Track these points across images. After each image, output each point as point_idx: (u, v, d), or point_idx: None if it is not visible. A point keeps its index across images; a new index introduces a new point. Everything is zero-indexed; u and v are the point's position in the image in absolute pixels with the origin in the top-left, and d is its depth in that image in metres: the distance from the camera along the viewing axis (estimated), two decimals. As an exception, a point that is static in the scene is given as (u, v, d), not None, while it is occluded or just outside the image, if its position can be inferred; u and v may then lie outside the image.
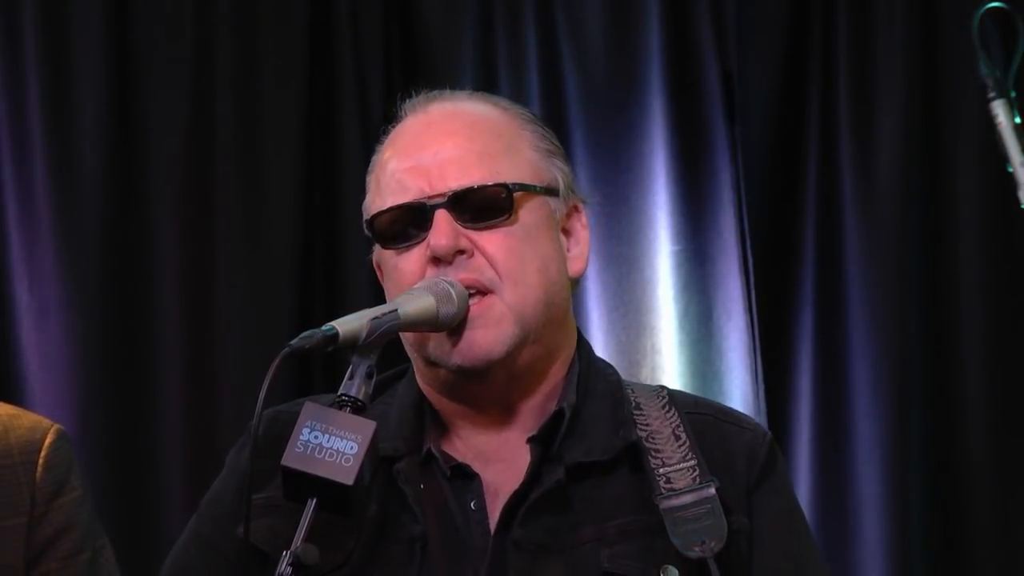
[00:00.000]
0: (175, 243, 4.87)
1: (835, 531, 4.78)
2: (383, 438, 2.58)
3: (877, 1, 4.92)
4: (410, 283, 2.60)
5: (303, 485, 2.37)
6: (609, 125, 4.97)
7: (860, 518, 4.81)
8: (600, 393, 2.67)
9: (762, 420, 4.76)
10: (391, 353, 2.57)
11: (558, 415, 2.62)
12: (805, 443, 4.87)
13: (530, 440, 2.61)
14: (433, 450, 2.62)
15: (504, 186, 2.62)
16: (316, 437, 2.37)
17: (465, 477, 2.60)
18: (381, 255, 2.68)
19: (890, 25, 4.91)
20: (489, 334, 2.58)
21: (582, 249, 2.71)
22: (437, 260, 2.60)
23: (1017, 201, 2.58)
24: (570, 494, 2.58)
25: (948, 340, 4.86)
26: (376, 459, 2.57)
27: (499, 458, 2.62)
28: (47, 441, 2.88)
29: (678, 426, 2.63)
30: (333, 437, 2.37)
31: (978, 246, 4.84)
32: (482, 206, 2.61)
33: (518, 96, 4.80)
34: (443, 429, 2.66)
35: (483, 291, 2.59)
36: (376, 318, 2.47)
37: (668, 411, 2.65)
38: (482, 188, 2.61)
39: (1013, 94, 2.65)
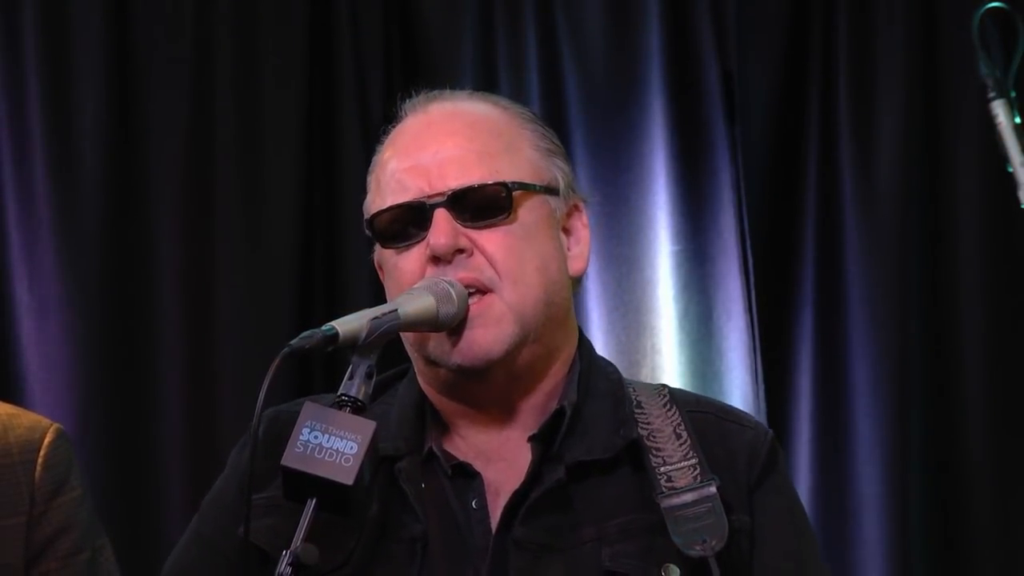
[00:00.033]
0: (175, 243, 4.87)
1: (835, 531, 4.78)
2: (384, 437, 2.58)
3: (877, 1, 4.92)
4: (410, 282, 2.60)
5: (303, 485, 2.37)
6: (609, 125, 4.97)
7: (860, 518, 4.81)
8: (601, 392, 2.67)
9: (762, 420, 4.75)
10: (392, 353, 2.57)
11: (559, 414, 2.62)
12: (805, 443, 4.87)
13: (531, 439, 2.61)
14: (434, 449, 2.62)
15: (503, 185, 2.62)
16: (316, 437, 2.37)
17: (466, 476, 2.61)
18: (381, 254, 2.69)
19: (890, 25, 4.91)
20: (489, 333, 2.58)
21: (583, 248, 2.71)
22: (437, 259, 2.60)
23: (1017, 201, 2.58)
24: (571, 493, 2.58)
25: (948, 340, 4.85)
26: (377, 459, 2.57)
27: (500, 457, 2.62)
28: (46, 440, 2.88)
29: (679, 424, 2.63)
30: (333, 437, 2.37)
31: (978, 246, 4.84)
32: (482, 205, 2.61)
33: (518, 96, 4.80)
34: (444, 428, 2.66)
35: (483, 290, 2.59)
36: (376, 318, 2.47)
37: (669, 409, 2.66)
38: (481, 187, 2.61)
39: (1013, 94, 2.65)
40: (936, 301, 4.87)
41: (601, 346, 4.77)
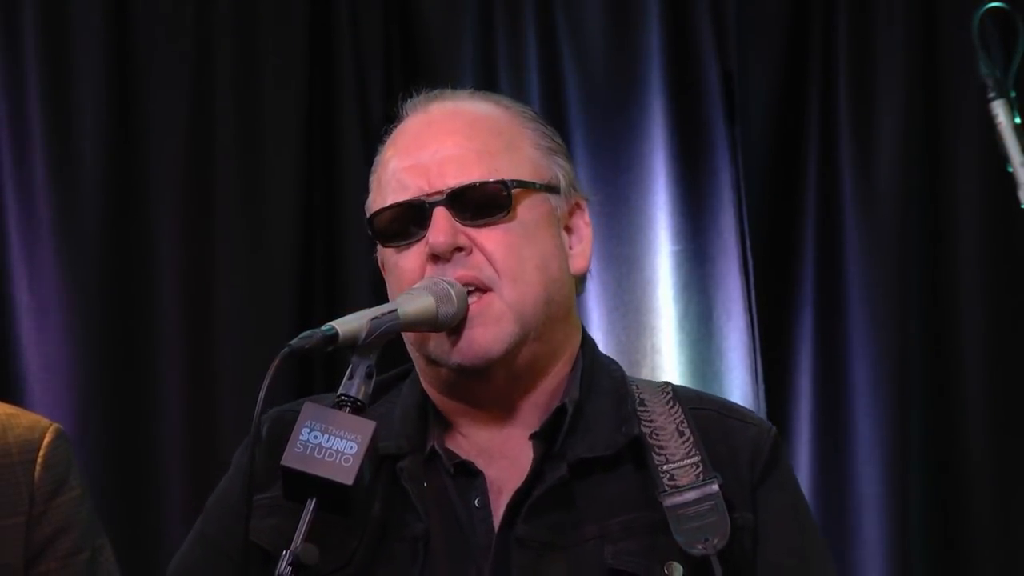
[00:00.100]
0: (175, 243, 4.87)
1: (835, 531, 4.78)
2: (386, 437, 2.58)
3: (877, 1, 4.92)
4: (410, 281, 2.60)
5: (303, 485, 2.37)
6: (609, 125, 4.97)
7: (860, 518, 4.81)
8: (604, 389, 2.66)
9: (762, 419, 4.76)
10: (393, 353, 2.57)
11: (560, 411, 2.62)
12: (805, 443, 4.87)
13: (532, 437, 2.61)
14: (437, 448, 2.62)
15: (503, 183, 2.62)
16: (316, 437, 2.37)
17: (469, 474, 2.61)
18: (382, 253, 2.69)
19: (890, 25, 4.91)
20: (488, 332, 2.58)
21: (585, 247, 2.71)
22: (436, 257, 2.60)
23: (1017, 201, 2.58)
24: (573, 491, 2.58)
25: (948, 340, 4.85)
26: (378, 458, 2.57)
27: (502, 455, 2.62)
28: (46, 440, 2.88)
29: (682, 422, 2.63)
30: (333, 437, 2.37)
31: (978, 246, 4.84)
32: (481, 203, 2.61)
33: (518, 96, 4.78)
34: (446, 427, 2.66)
35: (482, 288, 2.59)
36: (376, 318, 2.47)
37: (672, 407, 2.65)
38: (481, 185, 2.61)
39: (1013, 94, 2.65)
40: (936, 301, 4.86)
41: (601, 346, 4.69)
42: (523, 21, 4.99)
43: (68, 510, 2.87)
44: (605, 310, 4.90)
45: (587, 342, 2.72)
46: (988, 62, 2.64)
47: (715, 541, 2.52)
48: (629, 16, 4.98)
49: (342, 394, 2.43)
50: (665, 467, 2.58)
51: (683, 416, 2.64)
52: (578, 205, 2.71)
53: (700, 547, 2.52)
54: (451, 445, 2.64)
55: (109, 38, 4.89)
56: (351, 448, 2.37)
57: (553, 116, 4.83)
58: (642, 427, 2.62)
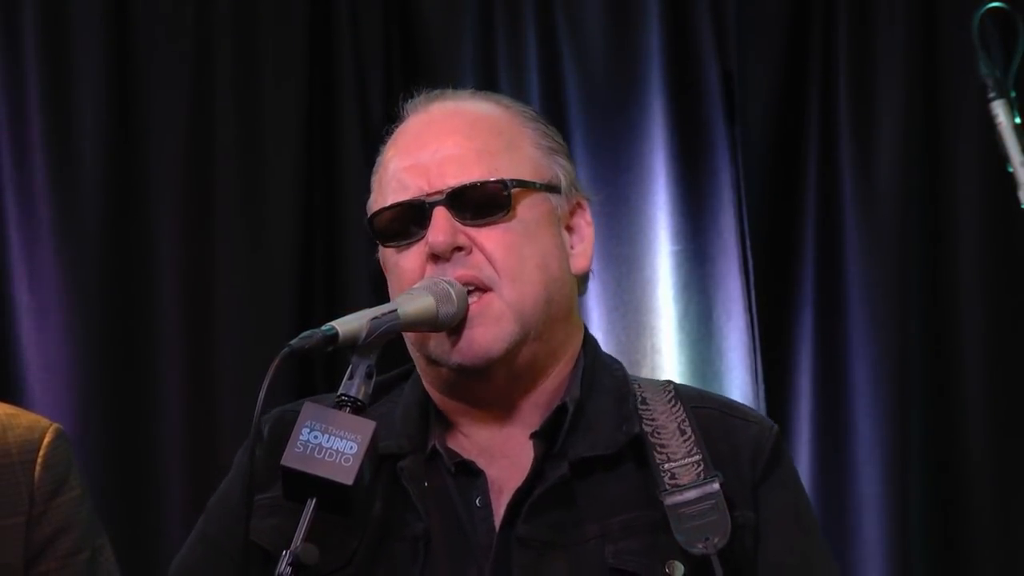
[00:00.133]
0: (175, 243, 4.87)
1: (835, 531, 4.77)
2: (387, 436, 2.58)
3: (877, 1, 4.92)
4: (410, 280, 2.60)
5: (303, 485, 2.37)
6: (609, 125, 4.97)
7: (860, 518, 4.81)
8: (605, 388, 2.67)
9: (762, 419, 4.76)
10: (393, 353, 2.57)
11: (561, 410, 2.62)
12: (805, 443, 4.87)
13: (533, 436, 2.61)
14: (438, 447, 2.62)
15: (503, 182, 2.62)
16: (316, 437, 2.37)
17: (470, 474, 2.61)
18: (383, 253, 2.69)
19: (890, 25, 4.90)
20: (488, 332, 2.58)
21: (586, 246, 2.71)
22: (436, 257, 2.60)
23: (1017, 201, 2.58)
24: (574, 490, 2.58)
25: (948, 340, 4.85)
26: (378, 458, 2.57)
27: (503, 455, 2.62)
28: (46, 440, 2.88)
29: (683, 420, 2.63)
30: (333, 437, 2.38)
31: (978, 246, 4.84)
32: (481, 203, 2.62)
33: (518, 96, 4.76)
34: (447, 427, 2.66)
35: (482, 288, 2.59)
36: (376, 318, 2.47)
37: (674, 405, 2.65)
38: (480, 185, 2.61)
39: (1013, 94, 2.65)
40: (936, 301, 4.86)
41: (601, 346, 4.76)
42: (523, 21, 4.99)
43: (68, 510, 2.87)
44: (605, 310, 4.90)
45: (589, 341, 2.72)
46: (988, 62, 2.64)
47: (716, 540, 2.52)
48: (629, 16, 4.98)
49: (342, 394, 2.43)
50: (666, 466, 2.58)
51: (684, 415, 2.64)
52: (579, 205, 2.71)
53: (701, 546, 2.52)
54: (452, 445, 2.64)
55: (109, 38, 4.89)
56: (351, 448, 2.37)
57: (553, 116, 4.83)
58: (643, 426, 2.62)
